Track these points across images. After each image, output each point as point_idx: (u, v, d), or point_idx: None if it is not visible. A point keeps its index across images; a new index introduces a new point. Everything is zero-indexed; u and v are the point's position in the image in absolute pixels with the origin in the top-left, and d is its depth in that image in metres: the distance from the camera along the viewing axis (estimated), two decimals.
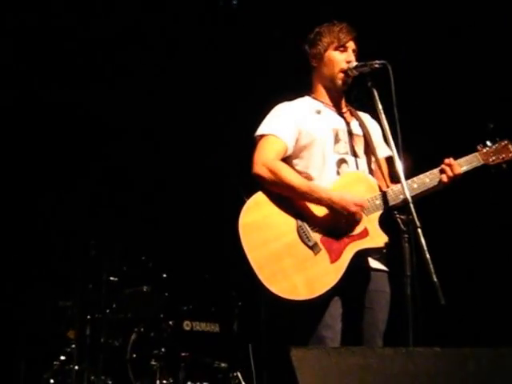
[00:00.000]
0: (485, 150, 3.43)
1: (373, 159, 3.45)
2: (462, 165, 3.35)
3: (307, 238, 3.15)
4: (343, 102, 3.55)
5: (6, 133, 6.17)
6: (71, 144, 6.43)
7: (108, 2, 5.90)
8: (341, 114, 3.51)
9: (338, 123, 3.45)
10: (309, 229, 3.17)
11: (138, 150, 6.61)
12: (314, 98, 3.52)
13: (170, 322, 5.78)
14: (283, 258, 3.11)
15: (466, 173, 3.37)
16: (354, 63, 3.37)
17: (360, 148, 3.45)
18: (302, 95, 3.54)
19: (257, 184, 3.27)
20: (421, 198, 3.26)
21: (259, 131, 3.40)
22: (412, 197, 3.08)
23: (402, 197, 3.13)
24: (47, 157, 6.35)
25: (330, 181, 3.30)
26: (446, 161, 3.33)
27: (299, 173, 3.32)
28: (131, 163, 6.65)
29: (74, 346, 5.55)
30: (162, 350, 5.60)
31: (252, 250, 3.10)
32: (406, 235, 2.99)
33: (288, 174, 3.23)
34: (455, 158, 3.37)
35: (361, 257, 3.20)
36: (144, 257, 6.08)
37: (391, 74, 3.19)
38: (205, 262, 6.35)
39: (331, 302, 3.17)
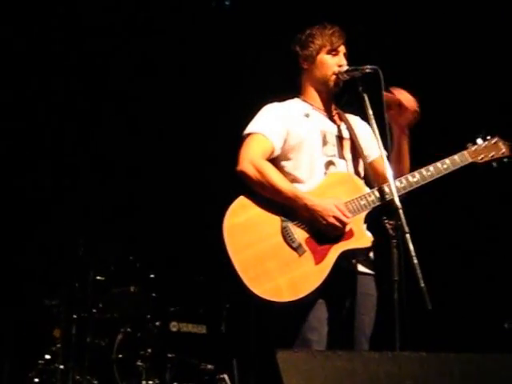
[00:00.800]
0: (474, 148, 3.39)
1: (360, 162, 3.45)
2: (449, 163, 3.34)
3: (291, 239, 3.14)
4: (332, 106, 3.54)
5: None
6: (61, 142, 6.41)
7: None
8: (330, 117, 3.50)
9: (327, 126, 3.44)
10: (293, 230, 3.16)
11: (128, 149, 6.59)
12: (303, 100, 3.51)
13: (157, 323, 5.77)
14: (267, 260, 3.10)
15: (455, 172, 3.35)
16: (345, 67, 3.36)
17: (347, 151, 3.44)
18: (291, 96, 3.53)
19: (241, 182, 3.26)
20: (409, 204, 3.25)
21: (247, 130, 3.38)
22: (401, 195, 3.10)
23: (388, 197, 3.13)
24: (36, 154, 6.32)
25: (317, 182, 3.30)
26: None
27: (286, 174, 3.31)
28: (121, 163, 6.64)
29: (59, 345, 5.52)
30: (149, 350, 5.59)
31: (236, 252, 3.10)
32: (395, 241, 2.99)
33: (274, 176, 3.22)
34: (444, 156, 3.35)
35: (346, 258, 3.20)
36: (132, 257, 6.07)
37: (382, 79, 3.20)
38: (193, 263, 6.34)
39: (317, 305, 3.16)
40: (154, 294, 6.00)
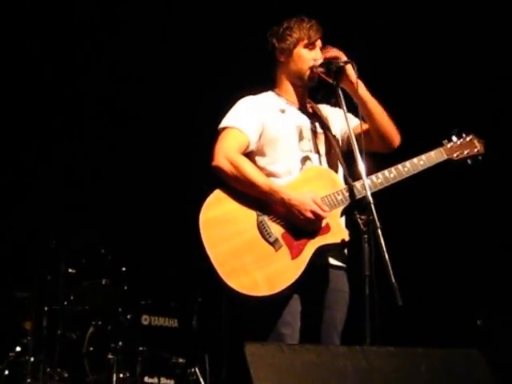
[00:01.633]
0: (449, 145, 3.44)
1: (335, 156, 3.43)
2: (426, 160, 3.35)
3: (268, 234, 3.13)
4: (307, 100, 3.54)
5: None
6: (32, 131, 6.34)
7: None
8: (304, 111, 3.50)
9: (302, 121, 3.45)
10: (269, 225, 3.16)
11: (100, 140, 6.55)
12: (277, 93, 3.50)
13: (128, 316, 5.73)
14: (244, 254, 3.10)
15: (430, 169, 3.36)
16: (320, 60, 3.36)
17: (322, 146, 3.44)
18: (265, 89, 3.52)
19: (217, 177, 3.24)
20: (381, 199, 3.25)
21: (222, 124, 3.37)
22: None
23: (364, 192, 3.13)
24: (6, 143, 6.25)
25: (294, 178, 3.30)
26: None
27: (262, 169, 3.31)
28: (94, 153, 6.59)
29: (30, 337, 5.48)
30: (120, 343, 5.56)
31: (212, 246, 3.09)
32: (366, 236, 3.00)
33: (250, 170, 3.21)
34: (419, 153, 3.37)
35: (322, 253, 3.20)
36: (103, 249, 6.04)
37: (356, 72, 3.20)
38: (165, 256, 6.32)
39: (291, 300, 3.17)
40: (125, 287, 5.98)
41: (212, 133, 3.39)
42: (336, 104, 3.42)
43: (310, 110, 3.53)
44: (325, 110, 3.57)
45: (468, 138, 3.47)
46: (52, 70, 6.19)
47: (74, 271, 5.75)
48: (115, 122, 6.60)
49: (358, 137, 3.15)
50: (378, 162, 3.36)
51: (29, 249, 5.74)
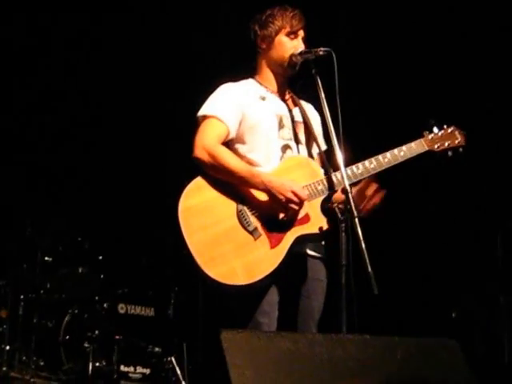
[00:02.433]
0: (430, 137, 3.40)
1: (314, 145, 3.44)
2: (406, 151, 3.36)
3: (247, 223, 3.13)
4: (287, 89, 3.53)
5: None
6: (8, 119, 6.28)
7: None
8: (284, 99, 3.49)
9: (282, 109, 3.44)
10: (249, 214, 3.15)
11: (76, 127, 6.50)
12: (258, 81, 3.48)
13: (105, 305, 5.74)
14: (223, 242, 3.09)
15: (411, 159, 3.36)
16: (300, 49, 3.35)
17: (302, 135, 3.44)
18: (246, 76, 3.51)
19: (197, 167, 3.24)
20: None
21: (202, 111, 3.35)
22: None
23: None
24: None
25: (274, 166, 3.29)
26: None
27: (241, 157, 3.29)
28: (71, 141, 6.55)
29: (5, 325, 5.47)
30: (96, 332, 5.56)
31: (191, 234, 3.07)
32: (343, 224, 3.00)
33: (229, 159, 3.20)
34: (399, 144, 3.37)
35: (300, 243, 3.20)
36: (80, 238, 6.02)
37: (335, 62, 3.19)
38: (142, 245, 6.31)
39: (269, 289, 3.16)
40: (102, 276, 5.99)
41: (191, 120, 3.37)
42: (314, 95, 3.41)
43: (290, 101, 3.52)
44: (306, 106, 3.56)
45: (449, 130, 3.45)
46: (22, 67, 6.15)
47: (50, 259, 5.74)
48: (91, 108, 6.56)
49: None
50: (358, 153, 3.36)
51: (4, 237, 5.70)
